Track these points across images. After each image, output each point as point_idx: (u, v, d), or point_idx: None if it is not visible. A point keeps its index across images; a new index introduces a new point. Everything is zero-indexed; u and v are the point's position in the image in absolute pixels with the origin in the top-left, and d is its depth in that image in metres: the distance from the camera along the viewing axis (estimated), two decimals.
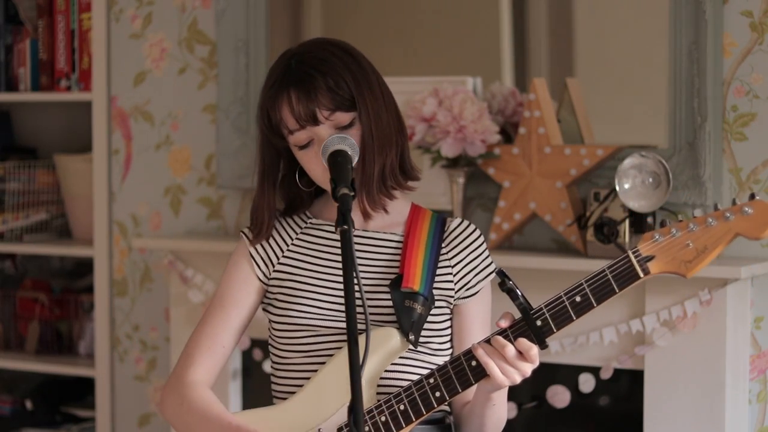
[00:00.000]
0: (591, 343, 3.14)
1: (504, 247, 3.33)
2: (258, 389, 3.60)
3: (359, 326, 2.28)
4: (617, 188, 3.06)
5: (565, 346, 3.17)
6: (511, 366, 2.25)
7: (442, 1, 3.56)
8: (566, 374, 3.25)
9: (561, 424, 3.33)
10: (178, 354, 3.53)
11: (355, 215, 2.40)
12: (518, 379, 2.26)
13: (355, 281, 2.16)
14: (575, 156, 3.20)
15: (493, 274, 2.46)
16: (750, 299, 3.03)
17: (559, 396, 3.26)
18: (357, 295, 2.18)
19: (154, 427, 3.93)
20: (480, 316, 2.48)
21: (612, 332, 3.12)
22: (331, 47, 2.39)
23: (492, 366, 2.24)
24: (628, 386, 3.24)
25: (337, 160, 2.28)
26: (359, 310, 2.26)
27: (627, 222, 3.10)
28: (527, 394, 3.33)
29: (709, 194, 3.09)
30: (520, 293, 2.26)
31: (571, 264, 3.11)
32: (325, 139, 2.33)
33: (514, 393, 3.36)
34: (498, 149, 3.28)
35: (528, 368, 2.26)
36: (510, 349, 2.24)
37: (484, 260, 2.47)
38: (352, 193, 2.23)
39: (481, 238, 2.48)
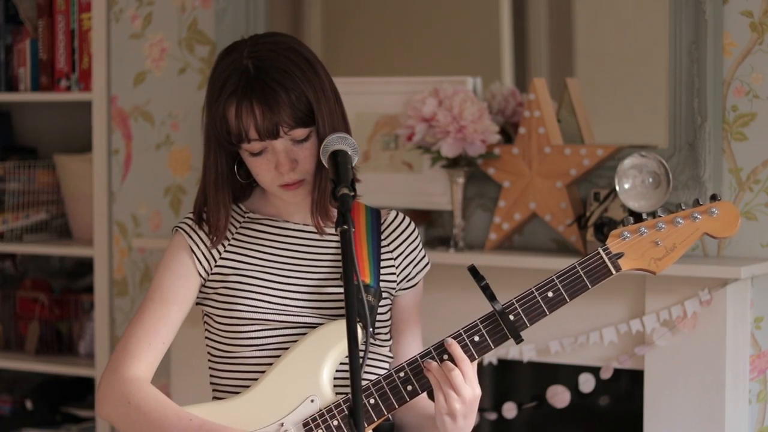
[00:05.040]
0: (591, 343, 3.14)
1: (504, 247, 3.33)
2: None
3: (311, 320, 2.37)
4: (617, 188, 3.06)
5: (565, 346, 3.17)
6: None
7: (442, 1, 3.56)
8: (566, 374, 3.25)
9: (561, 424, 3.33)
10: (177, 355, 3.53)
11: (306, 216, 2.43)
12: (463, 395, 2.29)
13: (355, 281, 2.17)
14: (575, 156, 3.20)
15: (429, 266, 2.52)
16: (750, 299, 3.03)
17: (559, 396, 3.26)
18: (313, 291, 2.31)
19: None
20: (416, 306, 2.53)
21: (612, 332, 3.12)
22: (290, 54, 2.36)
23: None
24: (628, 386, 3.24)
25: (337, 160, 2.28)
26: (311, 306, 2.38)
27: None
28: (527, 394, 3.33)
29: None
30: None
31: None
32: (280, 151, 2.34)
33: (514, 393, 3.37)
34: (498, 149, 3.28)
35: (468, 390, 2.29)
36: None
37: (420, 252, 2.51)
38: (353, 194, 2.24)
39: (416, 231, 2.52)
